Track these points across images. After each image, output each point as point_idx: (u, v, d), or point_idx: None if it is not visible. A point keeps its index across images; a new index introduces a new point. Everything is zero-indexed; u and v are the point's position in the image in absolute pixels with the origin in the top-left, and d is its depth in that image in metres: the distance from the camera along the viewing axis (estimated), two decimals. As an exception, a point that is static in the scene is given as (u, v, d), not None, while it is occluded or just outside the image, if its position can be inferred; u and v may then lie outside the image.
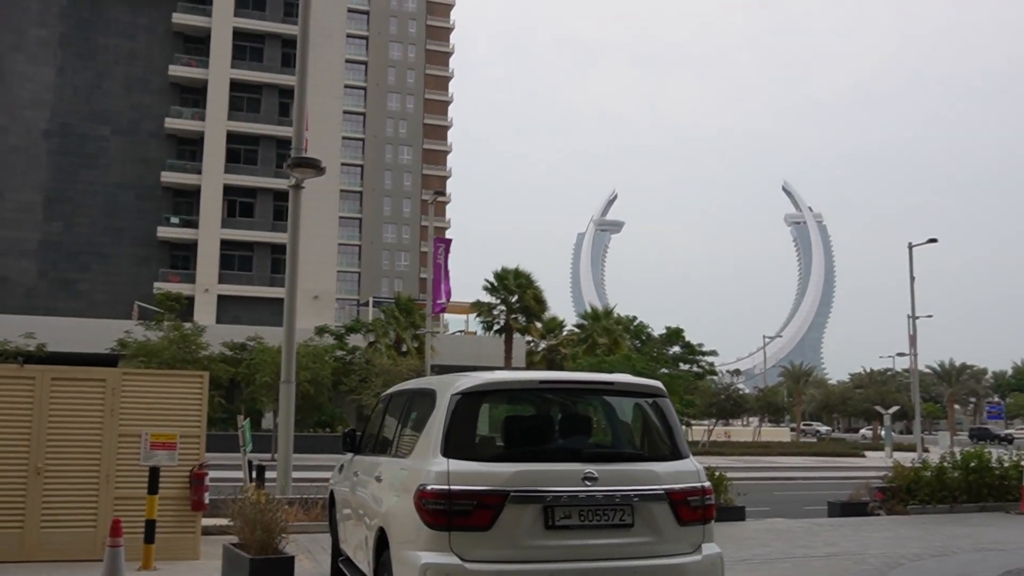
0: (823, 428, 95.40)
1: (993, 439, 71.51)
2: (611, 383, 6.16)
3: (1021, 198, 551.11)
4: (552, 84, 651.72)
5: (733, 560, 10.99)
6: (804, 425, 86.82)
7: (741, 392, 68.13)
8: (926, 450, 38.20)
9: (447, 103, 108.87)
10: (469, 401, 5.66)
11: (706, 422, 59.53)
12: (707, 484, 5.87)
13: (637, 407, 6.15)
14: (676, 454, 5.92)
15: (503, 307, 50.89)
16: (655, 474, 5.70)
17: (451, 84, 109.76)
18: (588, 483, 5.48)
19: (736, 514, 15.71)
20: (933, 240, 43.25)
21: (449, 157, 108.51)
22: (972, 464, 17.02)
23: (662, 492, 5.63)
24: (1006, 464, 17.18)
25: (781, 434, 74.99)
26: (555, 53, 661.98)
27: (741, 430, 75.53)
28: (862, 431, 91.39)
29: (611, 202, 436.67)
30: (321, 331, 46.33)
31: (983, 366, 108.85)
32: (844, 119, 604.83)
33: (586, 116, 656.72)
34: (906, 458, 20.60)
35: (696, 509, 5.74)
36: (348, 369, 42.88)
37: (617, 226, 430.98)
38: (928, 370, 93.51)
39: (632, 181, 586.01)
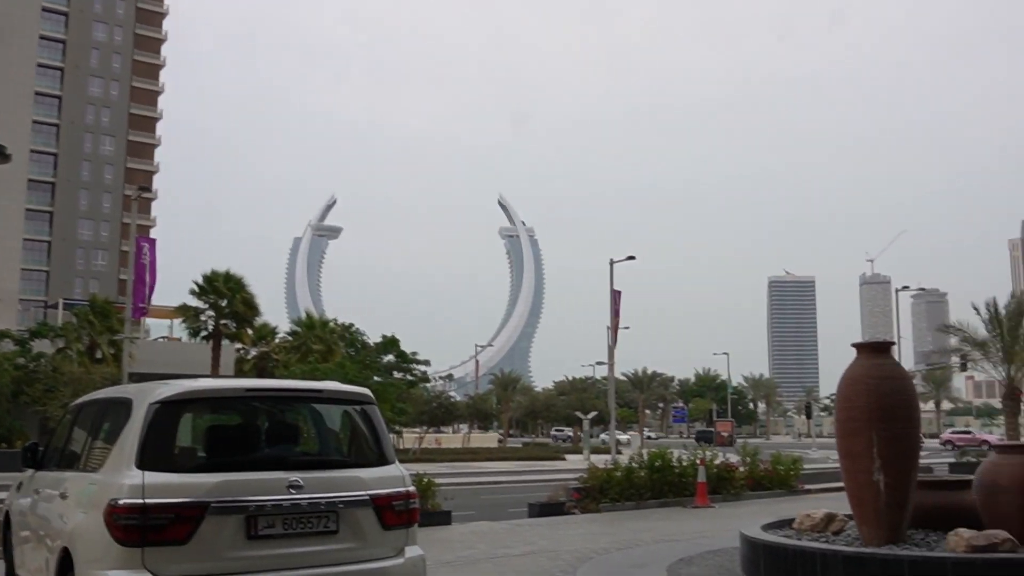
0: (564, 430, 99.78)
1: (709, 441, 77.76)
2: (319, 391, 6.18)
3: (698, 220, 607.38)
4: (276, 85, 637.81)
5: (439, 563, 11.29)
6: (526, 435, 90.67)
7: (452, 400, 69.81)
8: (619, 452, 41.00)
9: (157, 93, 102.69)
10: (168, 410, 5.45)
11: (418, 429, 60.29)
12: (411, 489, 6.03)
13: (345, 414, 6.20)
14: (382, 460, 6.03)
15: (212, 312, 48.65)
16: (361, 480, 5.77)
17: (163, 73, 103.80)
18: (293, 491, 5.46)
19: (443, 518, 16.09)
20: (631, 257, 46.56)
21: (158, 151, 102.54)
22: (656, 464, 18.55)
23: (367, 498, 5.71)
24: (685, 463, 18.87)
25: (490, 439, 77.56)
26: (283, 54, 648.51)
27: (451, 437, 77.19)
28: (552, 431, 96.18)
29: (330, 207, 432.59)
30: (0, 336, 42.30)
31: (671, 374, 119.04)
32: (564, 140, 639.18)
33: (311, 120, 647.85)
34: (602, 460, 22.06)
35: (400, 513, 5.88)
36: (31, 378, 39.10)
37: (335, 232, 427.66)
38: (624, 378, 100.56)
39: (353, 188, 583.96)
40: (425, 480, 16.22)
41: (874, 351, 9.18)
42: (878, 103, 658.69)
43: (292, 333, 55.90)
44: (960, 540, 8.14)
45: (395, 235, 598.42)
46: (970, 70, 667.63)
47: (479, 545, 13.03)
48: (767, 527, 10.10)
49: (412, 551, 5.97)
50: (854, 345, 9.28)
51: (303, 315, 60.46)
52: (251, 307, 49.59)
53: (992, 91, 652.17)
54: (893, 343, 9.67)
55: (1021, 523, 8.51)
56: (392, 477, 5.94)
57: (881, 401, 8.78)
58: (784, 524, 10.38)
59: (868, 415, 8.78)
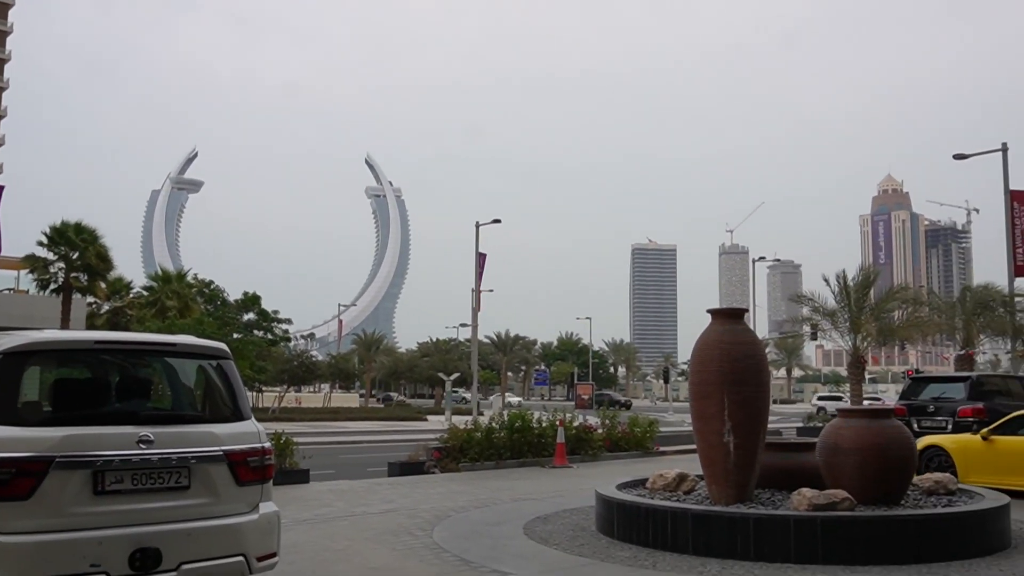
0: (395, 395, 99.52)
1: (613, 404, 79.25)
2: (172, 344, 5.95)
3: (568, 189, 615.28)
4: (137, 32, 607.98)
5: (295, 521, 11.15)
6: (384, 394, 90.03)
7: (314, 359, 68.88)
8: (481, 413, 41.37)
9: (6, 33, 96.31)
10: (11, 362, 5.17)
11: (278, 388, 59.30)
12: (267, 445, 5.90)
13: (200, 369, 6.00)
14: (238, 416, 5.88)
15: (62, 264, 46.33)
16: (214, 436, 5.61)
17: (11, 13, 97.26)
18: (143, 446, 5.27)
19: (301, 476, 15.90)
20: (497, 220, 46.77)
21: (5, 95, 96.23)
22: (516, 424, 18.78)
23: (220, 453, 5.57)
24: (544, 424, 19.18)
25: (351, 400, 77.02)
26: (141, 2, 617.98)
27: (313, 396, 76.26)
28: (392, 394, 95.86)
29: (190, 160, 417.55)
30: None
31: (534, 337, 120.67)
32: (435, 103, 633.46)
33: (172, 71, 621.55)
34: (463, 421, 22.18)
35: (255, 470, 5.76)
36: None
37: (196, 186, 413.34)
38: (487, 340, 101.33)
39: (215, 142, 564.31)
40: (283, 439, 15.99)
41: (728, 317, 9.50)
42: (737, 82, 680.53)
43: (148, 288, 53.89)
44: (803, 499, 8.56)
45: (258, 192, 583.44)
46: (824, 52, 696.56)
47: (337, 503, 12.92)
48: (621, 486, 10.38)
49: (267, 507, 5.87)
50: (709, 311, 9.58)
51: (159, 270, 58.28)
52: (104, 260, 47.44)
53: (842, 73, 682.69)
54: (746, 310, 10.02)
55: (860, 483, 9.01)
56: (247, 433, 5.81)
57: (733, 366, 9.11)
58: (639, 484, 10.69)
59: (720, 379, 9.10)
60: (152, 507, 5.28)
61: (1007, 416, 13.97)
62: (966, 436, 14.32)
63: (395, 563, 8.48)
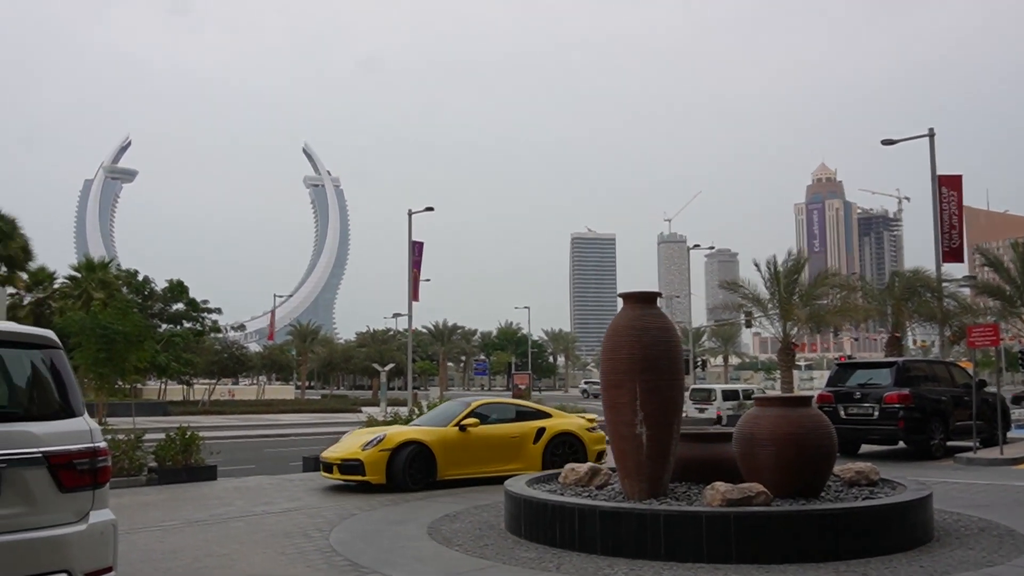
0: (338, 389, 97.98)
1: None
2: None
3: (507, 178, 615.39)
4: (68, 19, 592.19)
5: (186, 522, 10.43)
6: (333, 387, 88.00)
7: (245, 351, 67.37)
8: (418, 404, 40.62)
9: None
10: None
11: (208, 381, 57.84)
12: (100, 445, 5.16)
13: (20, 360, 5.24)
14: (66, 412, 5.15)
15: (-21, 255, 44.49)
16: (31, 436, 4.87)
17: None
18: None
19: (208, 473, 15.24)
20: (430, 208, 45.83)
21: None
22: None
23: (39, 455, 4.84)
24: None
25: (286, 392, 75.61)
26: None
27: (247, 388, 74.68)
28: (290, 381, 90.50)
29: (124, 149, 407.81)
30: None
31: (473, 327, 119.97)
32: (363, 91, 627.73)
33: (103, 59, 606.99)
34: (395, 412, 21.47)
35: (83, 474, 5.02)
36: None
37: (130, 175, 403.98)
38: (424, 330, 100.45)
39: (149, 131, 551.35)
40: (188, 434, 15.23)
41: (639, 301, 8.95)
42: (672, 69, 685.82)
43: (70, 278, 52.05)
44: (716, 494, 8.06)
45: (195, 182, 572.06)
46: (757, 39, 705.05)
47: (237, 502, 12.18)
48: (532, 481, 9.82)
49: (99, 515, 5.13)
50: (621, 295, 9.03)
51: (83, 260, 56.38)
52: (25, 251, 45.88)
53: (775, 61, 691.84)
54: (659, 294, 9.45)
55: (777, 475, 8.56)
56: (75, 432, 5.07)
57: (645, 352, 8.58)
58: (552, 478, 10.14)
59: (630, 366, 8.56)
60: None
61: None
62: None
63: (278, 569, 7.79)
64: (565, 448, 14.60)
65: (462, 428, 13.88)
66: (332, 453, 13.85)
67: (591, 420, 15.79)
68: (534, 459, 14.20)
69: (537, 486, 9.53)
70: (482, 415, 14.43)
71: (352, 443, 13.84)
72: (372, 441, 13.37)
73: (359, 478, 13.10)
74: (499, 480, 13.41)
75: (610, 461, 9.33)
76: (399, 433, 13.73)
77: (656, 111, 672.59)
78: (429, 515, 10.51)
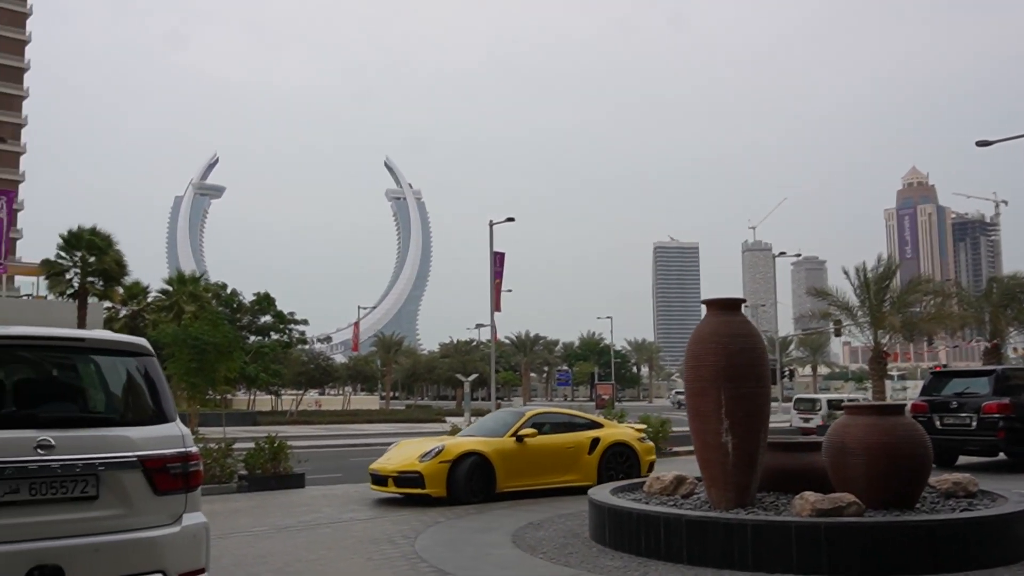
0: (422, 400, 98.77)
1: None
2: (80, 339, 5.38)
3: (589, 189, 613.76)
4: (148, 41, 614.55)
5: (275, 528, 10.63)
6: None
7: (331, 361, 68.50)
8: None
9: (24, 42, 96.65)
10: None
11: (296, 391, 59.00)
12: (192, 450, 5.30)
13: (115, 367, 5.41)
14: (159, 418, 5.30)
15: (77, 269, 46.31)
16: (128, 440, 5.03)
17: (30, 22, 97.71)
18: (42, 451, 4.70)
19: (296, 481, 15.51)
20: (511, 219, 45.99)
21: (26, 103, 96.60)
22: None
23: (135, 459, 4.99)
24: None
25: (371, 402, 76.64)
26: (162, 10, 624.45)
27: (333, 399, 75.95)
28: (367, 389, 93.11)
29: (212, 166, 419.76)
30: None
31: (555, 338, 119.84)
32: (455, 104, 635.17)
33: (190, 79, 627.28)
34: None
35: (176, 477, 5.17)
36: None
37: (218, 191, 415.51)
38: (507, 341, 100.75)
39: (236, 148, 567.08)
40: (277, 442, 15.53)
41: (723, 308, 8.82)
42: (759, 76, 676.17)
43: (163, 292, 53.73)
44: (806, 504, 7.88)
45: (281, 196, 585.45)
46: (847, 45, 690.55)
47: (325, 509, 12.37)
48: (616, 490, 9.74)
49: (192, 518, 5.27)
50: (704, 302, 8.92)
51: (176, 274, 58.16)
52: (120, 265, 47.43)
53: (865, 66, 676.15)
54: (744, 300, 9.29)
55: (869, 485, 8.33)
56: (168, 437, 5.22)
57: (730, 360, 8.44)
58: (637, 487, 10.05)
59: (715, 374, 8.43)
60: (53, 520, 4.71)
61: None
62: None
63: (366, 575, 7.88)
64: (618, 459, 14.27)
65: (519, 439, 13.45)
66: (385, 465, 13.41)
67: (640, 430, 15.54)
68: (590, 470, 13.88)
69: (622, 495, 9.45)
70: (537, 424, 14.08)
71: (407, 454, 13.38)
72: (431, 452, 12.91)
73: (418, 491, 12.66)
74: (556, 492, 13.42)
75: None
76: (458, 444, 13.27)
77: (741, 119, 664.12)
78: (513, 523, 10.51)
